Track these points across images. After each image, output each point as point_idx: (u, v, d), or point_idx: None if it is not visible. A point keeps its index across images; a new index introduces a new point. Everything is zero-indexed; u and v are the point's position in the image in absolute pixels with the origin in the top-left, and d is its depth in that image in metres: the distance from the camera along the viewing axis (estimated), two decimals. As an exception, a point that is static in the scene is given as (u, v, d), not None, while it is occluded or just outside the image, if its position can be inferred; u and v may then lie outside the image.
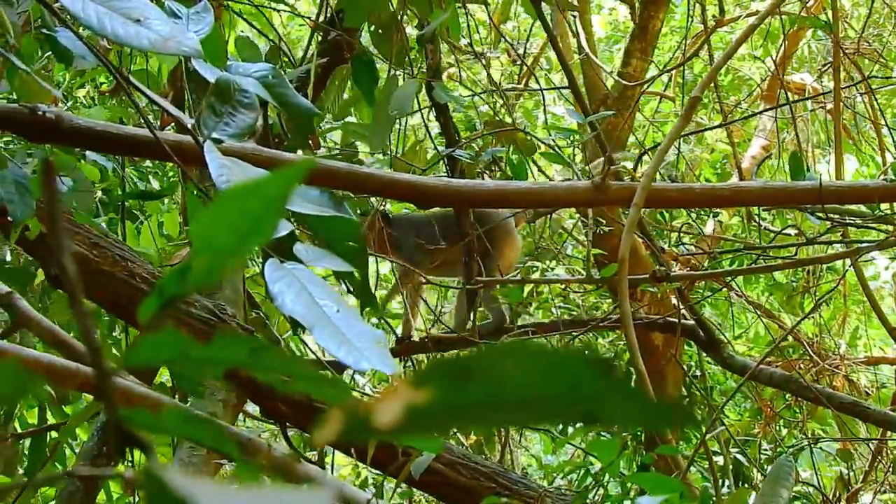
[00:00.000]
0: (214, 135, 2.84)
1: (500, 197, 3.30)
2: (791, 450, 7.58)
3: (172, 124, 4.38)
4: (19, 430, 5.91)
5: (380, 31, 4.91)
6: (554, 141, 5.71)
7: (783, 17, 8.24)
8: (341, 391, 1.35)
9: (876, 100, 7.87)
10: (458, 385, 0.87)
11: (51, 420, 5.62)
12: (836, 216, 3.96)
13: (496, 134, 5.64)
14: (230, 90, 2.93)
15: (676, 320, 5.75)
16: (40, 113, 3.26)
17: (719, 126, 8.14)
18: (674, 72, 8.53)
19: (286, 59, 5.64)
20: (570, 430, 6.97)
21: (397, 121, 5.14)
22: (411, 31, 5.62)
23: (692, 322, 5.81)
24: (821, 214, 3.86)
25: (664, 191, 3.38)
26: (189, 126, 2.81)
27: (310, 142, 4.47)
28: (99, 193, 5.97)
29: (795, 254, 5.04)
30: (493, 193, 3.31)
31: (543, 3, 5.29)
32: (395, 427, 0.89)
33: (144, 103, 4.54)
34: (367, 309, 3.63)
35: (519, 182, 3.70)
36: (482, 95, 7.03)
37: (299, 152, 3.83)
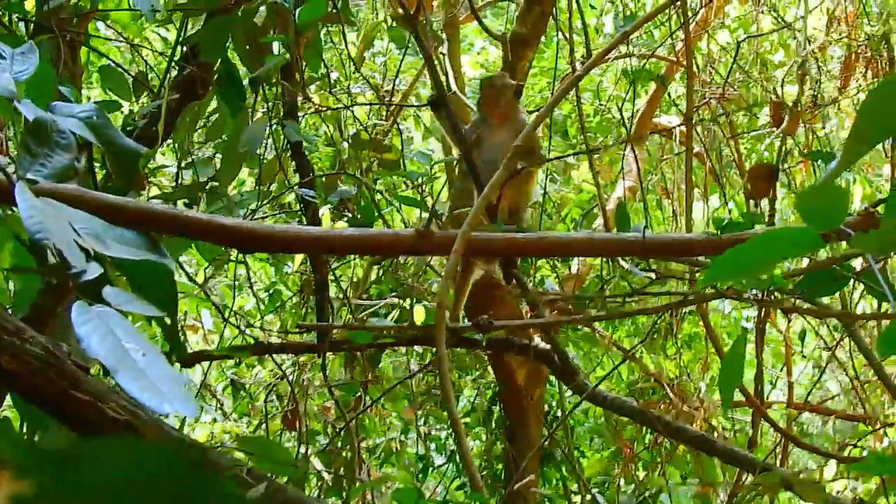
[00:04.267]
0: (29, 175, 2.81)
1: (325, 243, 3.31)
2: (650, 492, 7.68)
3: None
4: None
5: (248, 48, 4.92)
6: (417, 182, 5.76)
7: (640, 60, 8.40)
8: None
9: (726, 143, 7.97)
10: (63, 474, 0.88)
11: None
12: (658, 268, 4.04)
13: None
14: (47, 131, 2.91)
15: (531, 344, 5.80)
16: None
17: (562, 157, 8.25)
18: (543, 112, 8.59)
19: (148, 91, 5.61)
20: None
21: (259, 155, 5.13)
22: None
23: (547, 347, 5.85)
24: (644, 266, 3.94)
25: (490, 240, 3.42)
26: (4, 166, 2.78)
27: (136, 183, 4.44)
28: None
29: (623, 303, 5.12)
30: (318, 239, 3.32)
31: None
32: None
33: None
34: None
35: (344, 229, 3.71)
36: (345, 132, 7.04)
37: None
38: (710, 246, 3.42)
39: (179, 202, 4.69)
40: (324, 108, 6.87)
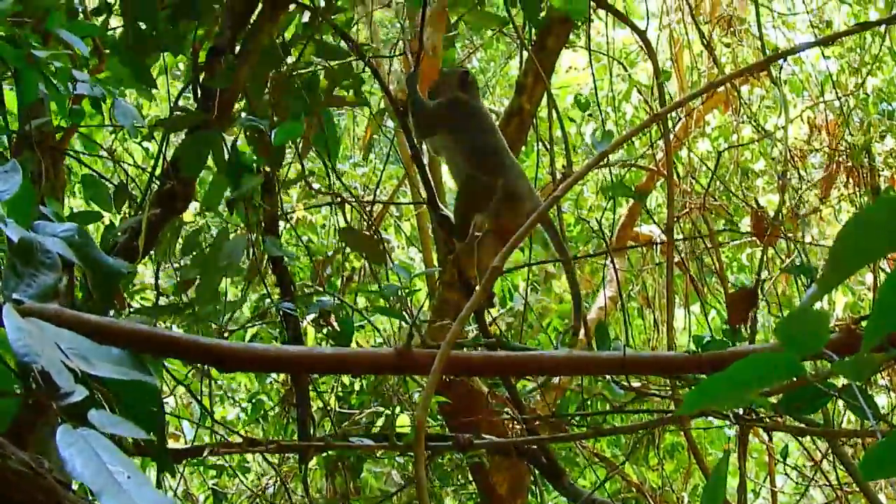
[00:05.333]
0: (15, 295, 2.82)
1: (306, 363, 3.32)
2: None
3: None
4: None
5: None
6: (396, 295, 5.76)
7: (625, 168, 8.47)
8: None
9: (707, 252, 8.01)
10: None
11: None
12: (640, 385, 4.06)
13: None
14: (33, 251, 2.92)
15: (516, 443, 5.78)
16: None
17: (542, 263, 8.25)
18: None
19: (129, 202, 5.63)
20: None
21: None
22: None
23: (534, 447, 5.83)
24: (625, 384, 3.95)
25: (469, 358, 3.43)
26: (-16, 287, 2.79)
27: (115, 302, 4.45)
28: None
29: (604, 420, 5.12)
30: (298, 359, 3.32)
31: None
32: None
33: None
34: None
35: (323, 349, 3.72)
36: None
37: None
38: (691, 364, 3.43)
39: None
40: (309, 206, 6.90)
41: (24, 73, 4.08)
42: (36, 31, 4.39)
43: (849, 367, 2.21)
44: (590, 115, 10.09)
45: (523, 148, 8.04)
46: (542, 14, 6.49)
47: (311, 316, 5.75)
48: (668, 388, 4.57)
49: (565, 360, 3.55)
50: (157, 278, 5.48)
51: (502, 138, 5.72)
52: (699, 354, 3.45)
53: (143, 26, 5.25)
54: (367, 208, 8.09)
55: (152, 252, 5.42)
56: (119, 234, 5.11)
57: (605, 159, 3.65)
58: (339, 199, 6.87)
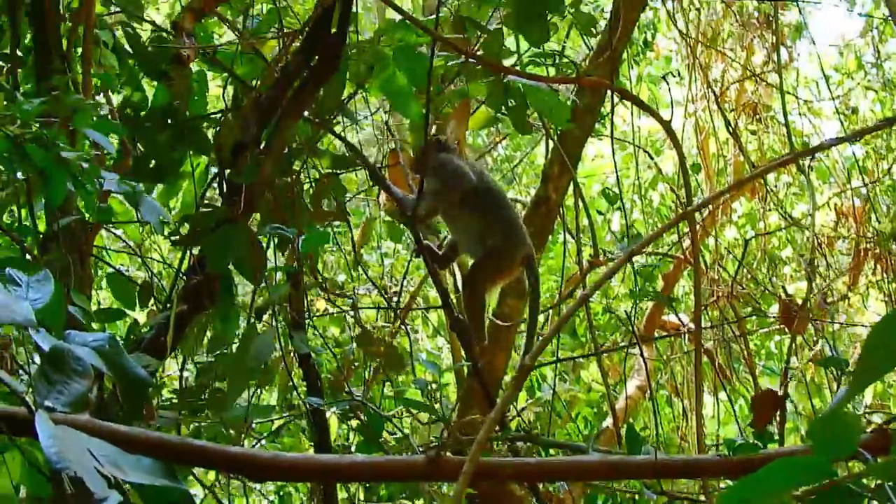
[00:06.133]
0: (47, 403, 2.82)
1: (334, 470, 3.30)
2: None
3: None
4: None
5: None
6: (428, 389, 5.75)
7: (655, 257, 8.44)
8: None
9: (735, 340, 7.97)
10: None
11: None
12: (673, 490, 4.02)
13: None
14: (64, 359, 2.92)
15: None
16: None
17: (571, 359, 8.23)
18: (550, 311, 8.65)
19: (154, 300, 5.64)
20: None
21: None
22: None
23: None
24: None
25: (500, 466, 3.40)
26: (22, 395, 2.79)
27: (145, 411, 4.45)
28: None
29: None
30: (327, 467, 3.30)
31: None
32: None
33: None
34: None
35: (355, 456, 3.70)
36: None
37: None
38: (722, 468, 3.40)
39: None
40: (329, 313, 6.92)
41: (52, 173, 4.11)
42: (62, 129, 4.42)
43: (887, 469, 2.20)
44: (618, 208, 10.08)
45: (550, 237, 8.05)
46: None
47: (339, 409, 5.74)
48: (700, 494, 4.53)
49: (597, 466, 3.52)
50: (181, 378, 5.47)
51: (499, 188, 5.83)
52: (730, 458, 3.42)
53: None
54: (391, 300, 8.10)
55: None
56: (146, 329, 5.12)
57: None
58: (354, 305, 6.91)
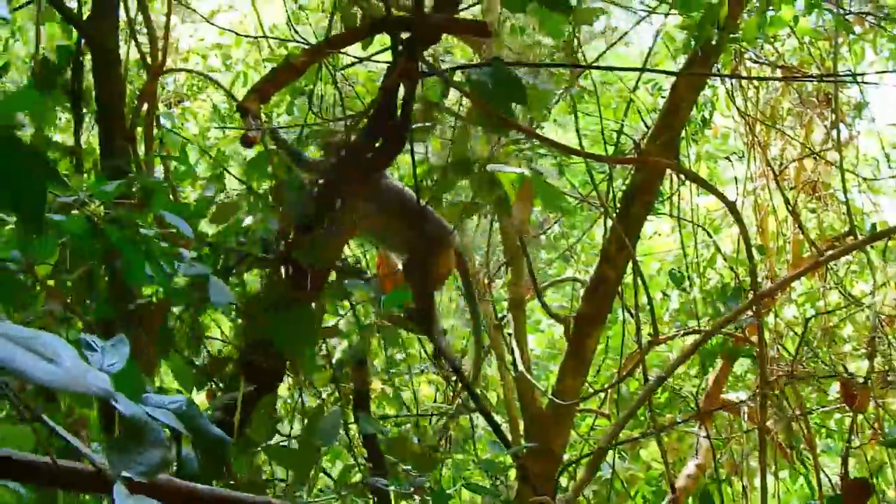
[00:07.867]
0: (124, 473, 2.85)
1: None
2: None
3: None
4: None
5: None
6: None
7: (720, 336, 8.41)
8: None
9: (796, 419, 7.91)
10: None
11: None
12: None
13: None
14: (142, 427, 2.96)
15: None
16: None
17: (632, 441, 8.17)
18: (609, 390, 8.64)
19: (210, 383, 5.67)
20: None
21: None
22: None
23: None
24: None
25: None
26: (98, 464, 2.83)
27: (224, 471, 4.47)
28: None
29: None
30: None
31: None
32: None
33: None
34: None
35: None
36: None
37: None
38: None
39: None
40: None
41: (130, 254, 4.15)
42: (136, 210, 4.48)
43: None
44: (684, 288, 10.05)
45: (608, 315, 8.05)
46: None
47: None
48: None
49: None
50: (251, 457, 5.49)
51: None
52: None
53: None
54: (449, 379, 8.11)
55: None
56: (213, 411, 5.14)
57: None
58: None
